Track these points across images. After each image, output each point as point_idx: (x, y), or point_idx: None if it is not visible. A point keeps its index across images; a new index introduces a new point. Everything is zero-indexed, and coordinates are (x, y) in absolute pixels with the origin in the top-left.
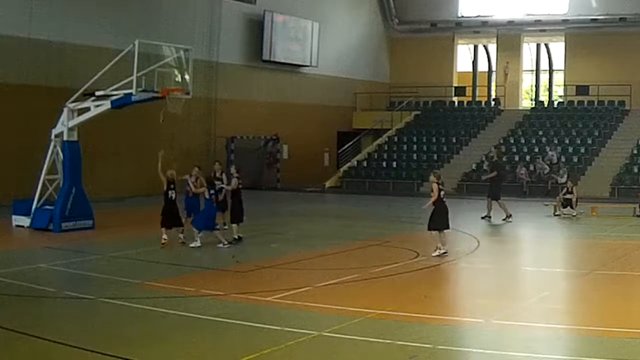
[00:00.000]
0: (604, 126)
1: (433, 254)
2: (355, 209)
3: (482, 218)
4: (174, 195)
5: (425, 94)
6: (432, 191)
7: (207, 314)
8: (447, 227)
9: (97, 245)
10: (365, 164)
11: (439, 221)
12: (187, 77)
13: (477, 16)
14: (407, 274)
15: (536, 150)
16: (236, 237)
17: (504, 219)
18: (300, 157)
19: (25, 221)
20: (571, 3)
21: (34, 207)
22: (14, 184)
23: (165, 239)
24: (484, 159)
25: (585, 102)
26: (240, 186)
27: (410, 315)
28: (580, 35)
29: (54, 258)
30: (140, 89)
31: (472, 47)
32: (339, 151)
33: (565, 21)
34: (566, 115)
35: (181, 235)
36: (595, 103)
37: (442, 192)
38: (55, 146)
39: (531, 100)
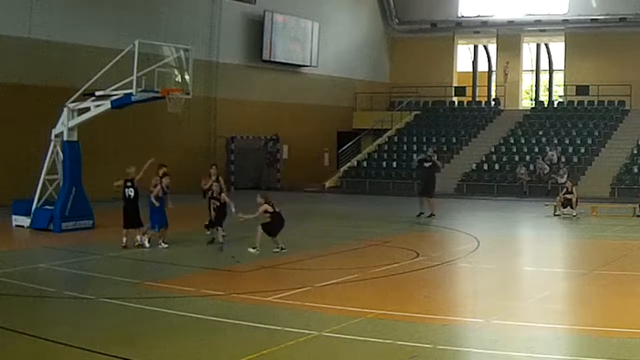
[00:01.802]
0: (604, 126)
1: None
2: (355, 209)
3: (429, 216)
4: (132, 194)
5: (425, 94)
6: (265, 212)
7: (207, 314)
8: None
9: (97, 245)
10: (365, 164)
11: (274, 229)
12: (187, 77)
13: (477, 16)
14: (407, 274)
15: (536, 150)
16: (221, 240)
17: (428, 216)
18: (300, 157)
19: (25, 221)
20: (571, 3)
21: (34, 207)
22: (14, 184)
23: (124, 241)
24: (426, 155)
25: (585, 102)
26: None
27: (411, 315)
28: (580, 35)
29: (54, 258)
30: (140, 89)
31: (472, 47)
32: (339, 151)
33: (565, 21)
34: (566, 115)
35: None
36: (595, 103)
37: (275, 209)
38: (55, 146)
39: (531, 100)
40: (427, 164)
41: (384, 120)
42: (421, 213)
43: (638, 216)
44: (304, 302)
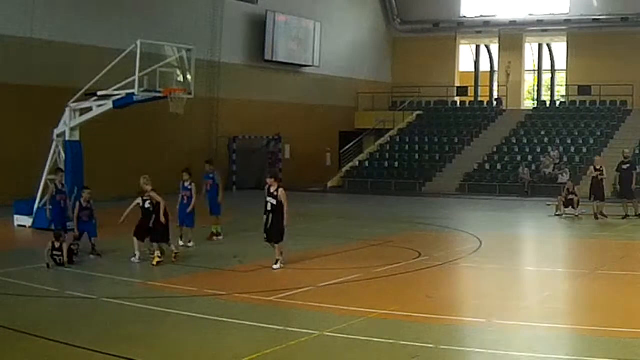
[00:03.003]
0: (606, 126)
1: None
2: (357, 208)
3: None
4: (149, 207)
5: (427, 94)
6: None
7: (209, 314)
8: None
9: (98, 245)
10: (367, 164)
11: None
12: (189, 77)
13: (479, 16)
14: (410, 274)
15: (538, 150)
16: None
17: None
18: (302, 157)
19: (27, 221)
20: (573, 3)
21: (35, 207)
22: (16, 184)
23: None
24: (623, 158)
25: (587, 102)
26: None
27: (413, 315)
28: (582, 35)
29: None
30: (142, 89)
31: (474, 47)
32: (341, 151)
33: (567, 21)
34: (568, 115)
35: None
36: (597, 103)
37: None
38: (57, 146)
39: (533, 100)
40: (625, 166)
41: (386, 120)
42: (627, 215)
43: (639, 216)
44: (306, 302)
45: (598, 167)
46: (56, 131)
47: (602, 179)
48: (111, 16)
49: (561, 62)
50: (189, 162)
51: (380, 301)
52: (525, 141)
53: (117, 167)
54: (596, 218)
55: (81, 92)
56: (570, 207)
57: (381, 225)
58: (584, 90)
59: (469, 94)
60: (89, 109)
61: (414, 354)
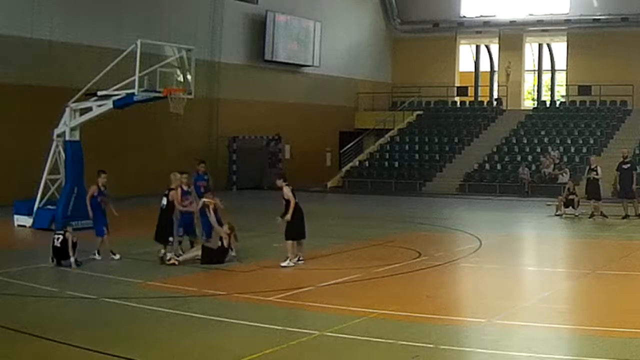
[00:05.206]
0: (606, 126)
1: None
2: (357, 208)
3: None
4: (164, 204)
5: (427, 94)
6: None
7: (209, 314)
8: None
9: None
10: (367, 163)
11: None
12: (189, 77)
13: (479, 16)
14: (409, 274)
15: (538, 150)
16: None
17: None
18: (302, 157)
19: (27, 221)
20: (573, 3)
21: (35, 207)
22: (16, 184)
23: (160, 252)
24: (624, 158)
25: (588, 102)
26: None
27: (412, 315)
28: (583, 35)
29: None
30: (142, 89)
31: (474, 47)
32: (341, 151)
33: (567, 21)
34: (568, 115)
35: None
36: (598, 103)
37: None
38: (57, 146)
39: (533, 100)
40: (625, 166)
41: (386, 120)
42: (627, 215)
43: (639, 216)
44: (306, 302)
45: (592, 167)
46: (56, 131)
47: (595, 179)
48: (111, 16)
49: (561, 62)
50: (188, 162)
51: (380, 301)
52: (525, 141)
53: (117, 167)
54: (591, 216)
55: (81, 92)
56: (570, 207)
57: (381, 225)
58: (584, 90)
59: (469, 94)
60: (89, 109)
61: (414, 354)
